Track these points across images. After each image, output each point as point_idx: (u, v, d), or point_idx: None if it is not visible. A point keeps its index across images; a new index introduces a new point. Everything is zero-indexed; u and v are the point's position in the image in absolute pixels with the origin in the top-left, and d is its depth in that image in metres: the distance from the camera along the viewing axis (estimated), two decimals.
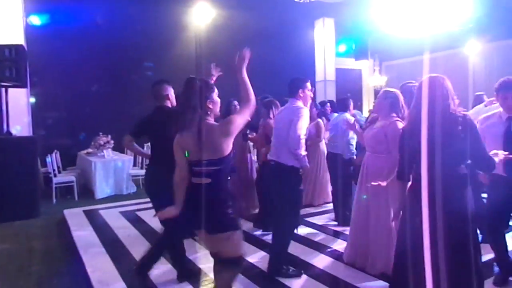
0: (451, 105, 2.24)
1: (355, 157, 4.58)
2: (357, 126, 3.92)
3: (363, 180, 3.28)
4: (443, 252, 2.17)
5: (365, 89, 13.29)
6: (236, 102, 4.98)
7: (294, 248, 3.68)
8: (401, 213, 2.47)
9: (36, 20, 7.75)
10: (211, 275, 2.90)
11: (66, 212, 5.64)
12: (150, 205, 5.40)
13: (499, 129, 2.89)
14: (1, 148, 5.45)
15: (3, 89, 5.76)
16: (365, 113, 10.31)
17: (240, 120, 2.21)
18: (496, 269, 3.13)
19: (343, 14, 10.55)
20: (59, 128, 8.22)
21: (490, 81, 7.64)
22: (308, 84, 3.37)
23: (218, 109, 2.32)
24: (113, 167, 6.92)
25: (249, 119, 2.33)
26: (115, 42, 8.30)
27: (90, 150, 7.61)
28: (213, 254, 2.32)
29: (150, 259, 3.28)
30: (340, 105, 5.45)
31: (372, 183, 2.78)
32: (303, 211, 4.76)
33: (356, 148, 4.69)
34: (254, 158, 5.69)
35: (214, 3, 9.23)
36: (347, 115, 4.89)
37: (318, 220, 5.04)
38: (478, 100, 4.97)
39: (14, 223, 5.21)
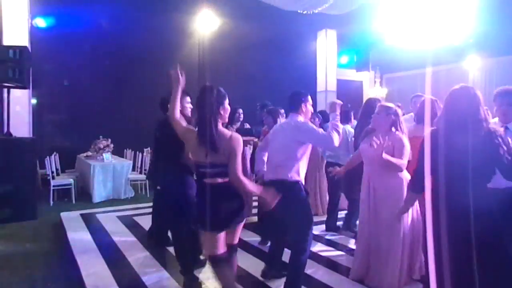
0: (481, 120, 2.15)
1: None
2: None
3: (370, 195, 3.21)
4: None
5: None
6: (240, 110, 5.02)
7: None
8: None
9: (41, 22, 7.81)
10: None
11: (63, 215, 5.62)
12: (147, 210, 5.47)
13: None
14: (1, 149, 5.45)
15: (5, 90, 5.80)
16: None
17: (239, 158, 2.43)
18: None
19: (346, 26, 10.63)
20: (60, 130, 8.25)
21: (489, 96, 7.65)
22: (310, 98, 3.24)
23: (227, 116, 2.53)
24: (111, 171, 6.91)
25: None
26: (119, 46, 8.37)
27: (89, 153, 7.61)
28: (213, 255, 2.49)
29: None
30: (342, 117, 5.47)
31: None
32: None
33: None
34: None
35: (219, 12, 9.31)
36: (348, 127, 4.91)
37: (316, 230, 5.03)
38: None
39: (9, 225, 5.18)
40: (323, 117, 6.48)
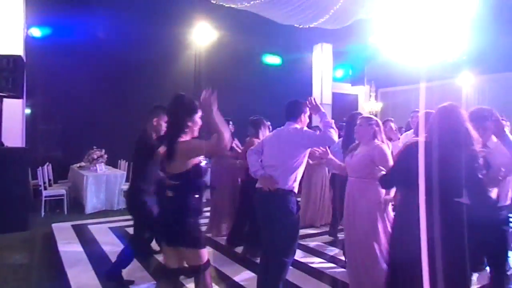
0: (469, 137, 2.28)
1: None
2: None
3: (350, 204, 3.27)
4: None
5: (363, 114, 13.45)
6: (231, 122, 5.05)
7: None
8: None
9: (36, 32, 7.81)
10: None
11: (54, 226, 5.54)
12: None
13: None
14: None
15: None
16: None
17: (201, 145, 2.31)
18: None
19: (341, 40, 10.77)
20: (53, 140, 8.18)
21: None
22: (308, 110, 3.20)
23: (196, 130, 2.41)
24: (105, 181, 6.84)
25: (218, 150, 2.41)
26: (114, 57, 8.36)
27: (83, 163, 7.54)
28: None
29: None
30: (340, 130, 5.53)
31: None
32: (303, 232, 4.80)
33: None
34: None
35: (215, 25, 9.40)
36: None
37: (314, 241, 5.03)
38: None
39: None
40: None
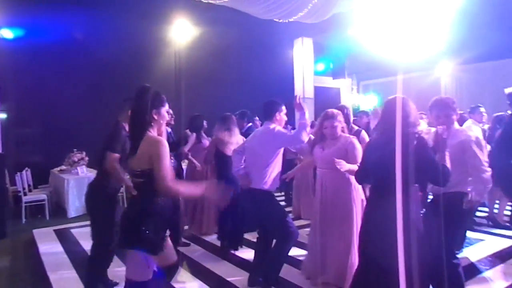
0: (411, 125, 2.39)
1: None
2: None
3: (323, 195, 3.37)
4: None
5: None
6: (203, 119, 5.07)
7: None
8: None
9: (8, 34, 7.56)
10: None
11: (35, 232, 5.40)
12: None
13: None
14: None
15: None
16: None
17: (162, 163, 2.11)
18: None
19: (322, 34, 10.81)
20: (31, 144, 7.95)
21: (460, 101, 7.89)
22: (284, 108, 3.39)
23: (163, 124, 2.32)
24: (87, 184, 6.66)
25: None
26: (91, 56, 8.18)
27: (63, 167, 7.37)
28: None
29: None
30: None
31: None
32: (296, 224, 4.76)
33: None
34: None
35: (195, 21, 9.29)
36: None
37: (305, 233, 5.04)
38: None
39: None
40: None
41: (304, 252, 3.86)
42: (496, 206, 5.40)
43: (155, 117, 2.23)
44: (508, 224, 5.17)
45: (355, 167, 3.07)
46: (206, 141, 5.04)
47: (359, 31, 10.10)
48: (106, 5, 7.91)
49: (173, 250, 2.32)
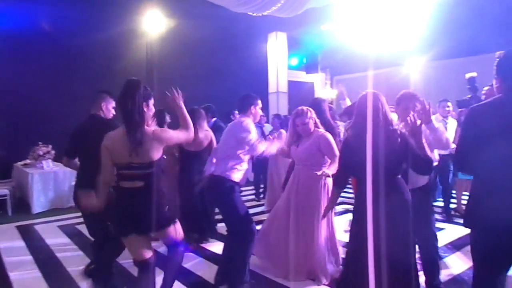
0: (388, 119, 2.43)
1: None
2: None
3: (294, 189, 3.42)
4: (385, 259, 2.27)
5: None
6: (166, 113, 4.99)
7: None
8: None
9: None
10: None
11: None
12: None
13: None
14: None
15: None
16: None
17: (174, 135, 2.48)
18: None
19: (295, 29, 10.83)
20: None
21: (428, 97, 8.16)
22: (259, 102, 3.40)
23: (151, 115, 2.44)
24: (53, 179, 6.48)
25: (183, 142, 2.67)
26: (58, 47, 7.86)
27: (28, 161, 7.08)
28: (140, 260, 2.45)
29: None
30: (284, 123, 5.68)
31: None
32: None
33: None
34: None
35: (167, 13, 9.09)
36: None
37: None
38: None
39: None
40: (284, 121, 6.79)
41: None
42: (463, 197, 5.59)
43: (145, 109, 2.35)
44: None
45: (334, 162, 3.13)
46: None
47: (332, 26, 10.23)
48: None
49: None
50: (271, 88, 11.78)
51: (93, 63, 8.38)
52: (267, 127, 7.10)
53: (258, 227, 3.49)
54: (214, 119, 5.45)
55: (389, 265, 2.24)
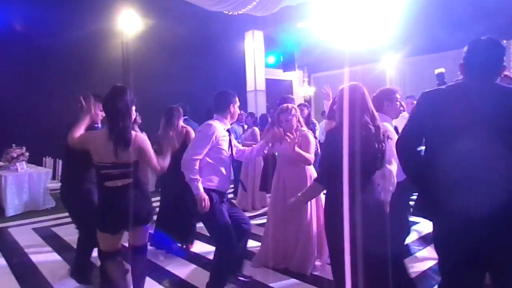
0: (368, 114, 2.34)
1: None
2: None
3: (280, 187, 3.47)
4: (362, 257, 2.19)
5: (296, 99, 13.79)
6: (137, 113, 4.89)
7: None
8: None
9: None
10: None
11: None
12: (67, 219, 5.08)
13: None
14: None
15: None
16: None
17: (150, 153, 2.54)
18: None
19: (272, 27, 10.91)
20: None
21: (404, 92, 8.37)
22: (237, 100, 3.03)
23: (133, 119, 2.57)
24: (27, 181, 6.35)
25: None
26: (32, 48, 7.74)
27: (1, 163, 6.91)
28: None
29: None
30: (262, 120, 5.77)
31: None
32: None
33: None
34: None
35: (142, 12, 9.02)
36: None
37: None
38: None
39: None
40: (260, 120, 6.79)
41: (256, 243, 3.88)
42: None
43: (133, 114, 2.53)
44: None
45: (308, 155, 3.20)
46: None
47: (308, 24, 10.35)
48: None
49: None
50: (249, 86, 11.83)
51: (68, 63, 8.25)
52: (238, 130, 6.76)
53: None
54: (185, 117, 5.37)
55: (365, 262, 2.17)
